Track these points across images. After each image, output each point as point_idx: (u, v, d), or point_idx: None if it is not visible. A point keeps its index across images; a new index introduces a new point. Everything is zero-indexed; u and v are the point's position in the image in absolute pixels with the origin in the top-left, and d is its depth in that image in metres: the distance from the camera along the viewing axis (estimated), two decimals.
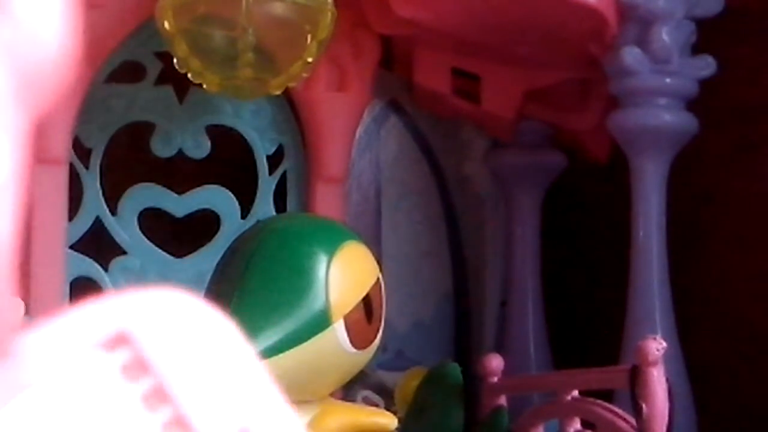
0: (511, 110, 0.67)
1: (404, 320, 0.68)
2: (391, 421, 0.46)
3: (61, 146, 0.59)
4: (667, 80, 0.59)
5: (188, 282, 0.62)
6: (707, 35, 0.60)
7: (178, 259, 0.63)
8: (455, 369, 0.53)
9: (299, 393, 0.44)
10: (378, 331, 0.46)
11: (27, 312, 0.53)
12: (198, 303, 0.20)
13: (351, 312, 0.44)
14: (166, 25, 0.55)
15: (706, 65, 0.60)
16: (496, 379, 0.56)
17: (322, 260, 0.44)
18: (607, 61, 0.60)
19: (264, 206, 0.64)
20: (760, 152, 0.63)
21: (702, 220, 0.65)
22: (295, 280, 0.43)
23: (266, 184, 0.64)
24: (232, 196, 0.64)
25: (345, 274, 0.44)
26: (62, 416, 0.19)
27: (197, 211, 0.64)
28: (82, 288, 0.61)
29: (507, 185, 0.70)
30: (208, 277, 0.46)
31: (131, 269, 0.62)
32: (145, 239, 0.62)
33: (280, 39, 0.55)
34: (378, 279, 0.46)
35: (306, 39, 0.55)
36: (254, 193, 0.64)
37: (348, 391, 0.62)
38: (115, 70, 0.62)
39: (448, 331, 0.70)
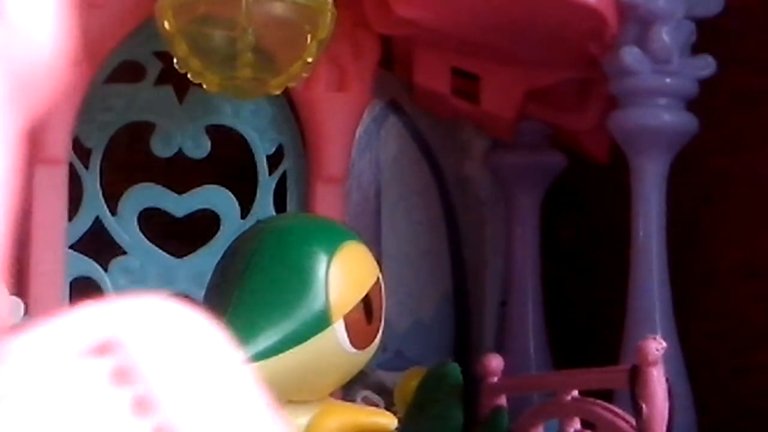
0: (510, 110, 0.67)
1: (404, 320, 0.68)
2: (390, 421, 0.46)
3: (60, 146, 0.59)
4: (667, 80, 0.59)
5: (188, 282, 0.62)
6: (707, 35, 0.60)
7: (178, 259, 0.63)
8: (455, 369, 0.53)
9: (299, 393, 0.44)
10: (378, 331, 0.46)
11: (27, 312, 0.52)
12: (186, 310, 0.20)
13: (351, 312, 0.44)
14: (166, 25, 0.55)
15: (706, 65, 0.60)
16: (495, 379, 0.56)
17: (322, 260, 0.44)
18: (607, 61, 0.60)
19: (264, 206, 0.64)
20: (760, 152, 0.63)
21: (702, 220, 0.65)
22: (295, 280, 0.43)
23: (266, 184, 0.64)
24: (231, 196, 0.64)
25: (345, 274, 0.44)
26: (50, 421, 0.19)
27: (197, 211, 0.63)
28: (82, 288, 0.61)
29: (507, 185, 0.70)
30: (208, 277, 0.46)
31: (131, 269, 0.62)
32: (145, 239, 0.62)
33: (279, 39, 0.55)
34: (378, 279, 0.46)
35: (306, 39, 0.55)
36: (254, 193, 0.64)
37: (348, 391, 0.62)
38: (114, 70, 0.62)
39: (447, 331, 0.70)
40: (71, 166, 0.61)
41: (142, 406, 0.19)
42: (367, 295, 0.45)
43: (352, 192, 0.67)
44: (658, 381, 0.47)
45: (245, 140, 0.64)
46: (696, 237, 0.65)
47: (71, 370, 0.19)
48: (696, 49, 0.60)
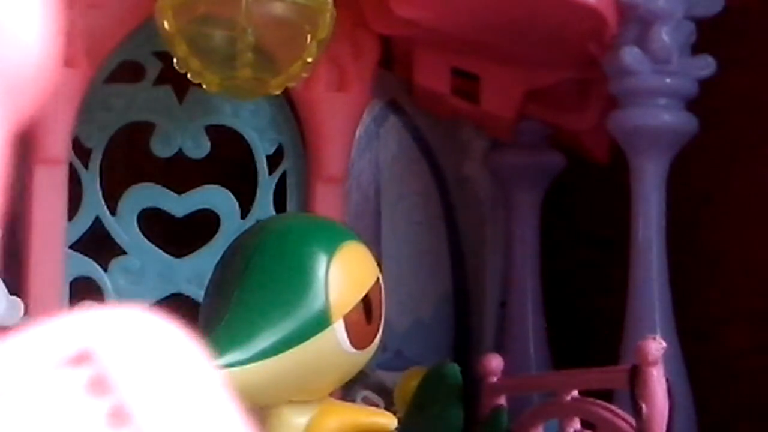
0: (510, 110, 0.67)
1: (404, 320, 0.68)
2: (390, 421, 0.46)
3: (60, 146, 0.59)
4: (667, 80, 0.59)
5: (188, 282, 0.62)
6: (707, 35, 0.60)
7: (178, 259, 0.63)
8: (454, 369, 0.53)
9: (299, 393, 0.44)
10: (378, 331, 0.45)
11: (26, 312, 0.52)
12: (162, 322, 0.20)
13: (350, 312, 0.44)
14: (166, 24, 0.55)
15: (706, 65, 0.60)
16: (495, 379, 0.56)
17: (321, 260, 0.44)
18: (606, 61, 0.60)
19: (264, 206, 0.64)
20: (760, 152, 0.63)
21: (702, 221, 0.65)
22: (294, 280, 0.43)
23: (266, 184, 0.64)
24: (231, 196, 0.64)
25: (345, 274, 0.44)
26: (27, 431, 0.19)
27: (197, 211, 0.63)
28: (81, 288, 0.61)
29: (507, 185, 0.70)
30: (208, 277, 0.46)
31: (131, 269, 0.62)
32: (145, 239, 0.62)
33: (279, 39, 0.55)
34: (378, 279, 0.46)
35: (306, 39, 0.55)
36: (254, 193, 0.64)
37: (347, 391, 0.62)
38: (114, 70, 0.62)
39: (447, 331, 0.70)
40: (71, 166, 0.61)
41: (119, 416, 0.19)
42: (366, 295, 0.44)
43: (351, 192, 0.67)
44: (657, 381, 0.47)
45: (245, 140, 0.64)
46: (696, 237, 0.65)
47: (47, 381, 0.19)
48: (696, 49, 0.60)
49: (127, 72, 0.63)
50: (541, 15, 0.60)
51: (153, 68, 0.63)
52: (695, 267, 0.65)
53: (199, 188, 0.64)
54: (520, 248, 0.69)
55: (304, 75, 0.57)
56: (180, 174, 0.64)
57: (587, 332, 0.69)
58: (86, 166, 0.62)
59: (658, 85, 0.59)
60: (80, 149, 0.62)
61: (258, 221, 0.61)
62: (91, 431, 0.19)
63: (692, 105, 0.60)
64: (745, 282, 0.63)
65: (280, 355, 0.42)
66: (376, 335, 0.45)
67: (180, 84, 0.62)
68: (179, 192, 0.63)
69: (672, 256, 0.60)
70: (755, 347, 0.62)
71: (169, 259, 0.63)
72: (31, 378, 0.19)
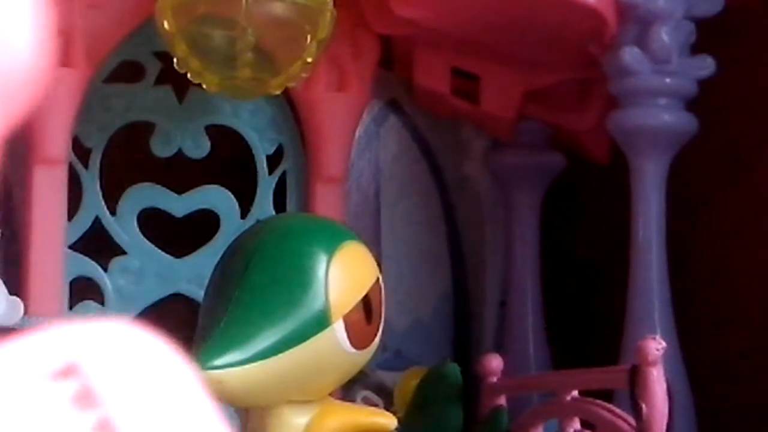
0: (510, 110, 0.67)
1: (403, 320, 0.68)
2: (390, 421, 0.46)
3: (60, 146, 0.59)
4: (667, 80, 0.59)
5: (188, 282, 0.62)
6: (707, 35, 0.60)
7: (178, 259, 0.63)
8: (454, 369, 0.53)
9: (298, 393, 0.44)
10: (377, 331, 0.45)
11: (26, 312, 0.52)
12: (148, 336, 0.20)
13: (350, 312, 0.44)
14: (166, 24, 0.55)
15: (705, 65, 0.60)
16: (495, 379, 0.56)
17: (321, 260, 0.44)
18: (606, 61, 0.60)
19: (263, 206, 0.64)
20: (760, 152, 0.63)
21: (702, 221, 0.65)
22: (294, 280, 0.43)
23: (266, 184, 0.64)
24: (231, 196, 0.64)
25: (344, 274, 0.44)
26: None
27: (197, 211, 0.64)
28: (81, 288, 0.61)
29: (506, 185, 0.70)
30: (208, 277, 0.46)
31: (131, 269, 0.62)
32: (145, 239, 0.62)
33: (279, 39, 0.55)
34: (377, 279, 0.46)
35: (306, 39, 0.55)
36: (254, 193, 0.64)
37: (347, 391, 0.62)
38: (114, 70, 0.62)
39: (447, 330, 0.70)
40: (71, 166, 0.61)
41: (105, 430, 0.19)
42: (366, 295, 0.44)
43: (351, 192, 0.67)
44: (657, 381, 0.47)
45: (245, 140, 0.64)
46: (696, 237, 0.65)
47: (33, 394, 0.19)
48: (696, 49, 0.60)
49: (127, 72, 0.63)
50: (541, 15, 0.60)
51: (153, 68, 0.63)
52: (695, 267, 0.65)
53: (198, 188, 0.64)
54: (520, 248, 0.69)
55: (304, 75, 0.57)
56: (180, 174, 0.64)
57: (587, 332, 0.69)
58: (86, 166, 0.62)
59: (658, 85, 0.59)
60: (80, 149, 0.62)
61: (258, 221, 0.61)
62: None
63: (692, 105, 0.60)
64: (745, 282, 0.63)
65: (280, 355, 0.42)
66: (376, 335, 0.45)
67: (180, 84, 0.62)
68: (179, 192, 0.63)
69: (672, 256, 0.60)
70: (755, 347, 0.62)
71: (169, 259, 0.63)
72: (16, 391, 0.19)
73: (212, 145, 0.63)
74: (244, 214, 0.64)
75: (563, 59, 0.64)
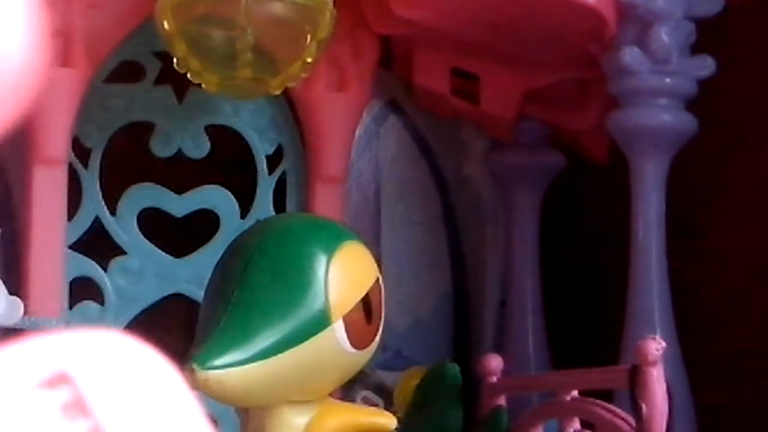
0: (510, 110, 0.67)
1: (403, 320, 0.68)
2: (390, 421, 0.46)
3: (60, 146, 0.59)
4: (667, 80, 0.59)
5: (188, 282, 0.62)
6: (707, 35, 0.60)
7: (178, 259, 0.63)
8: (454, 369, 0.53)
9: (298, 393, 0.44)
10: (377, 331, 0.45)
11: (26, 312, 0.52)
12: (138, 345, 0.20)
13: (350, 312, 0.44)
14: (165, 24, 0.55)
15: (705, 65, 0.60)
16: (495, 379, 0.56)
17: (321, 260, 0.44)
18: (606, 61, 0.60)
19: (263, 206, 0.64)
20: (759, 152, 0.63)
21: (702, 221, 0.65)
22: (294, 280, 0.43)
23: (265, 184, 0.64)
24: (231, 196, 0.64)
25: (344, 274, 0.44)
26: None
27: (197, 211, 0.63)
28: (81, 288, 0.61)
29: (506, 185, 0.70)
30: (208, 277, 0.46)
31: (130, 269, 0.62)
32: (145, 239, 0.62)
33: (279, 39, 0.55)
34: (377, 279, 0.46)
35: (305, 39, 0.55)
36: (253, 193, 0.64)
37: (347, 391, 0.62)
38: (114, 70, 0.62)
39: (447, 330, 0.70)
40: (70, 166, 0.61)
41: None
42: (366, 295, 0.44)
43: (351, 192, 0.67)
44: (657, 381, 0.47)
45: (245, 140, 0.64)
46: (696, 237, 0.65)
47: (23, 403, 0.19)
48: (695, 49, 0.60)
49: (127, 72, 0.63)
50: (541, 15, 0.60)
51: (153, 68, 0.63)
52: (695, 267, 0.65)
53: (198, 188, 0.64)
54: (520, 248, 0.69)
55: (304, 75, 0.57)
56: (180, 174, 0.64)
57: (587, 332, 0.69)
58: (86, 166, 0.62)
59: (658, 85, 0.59)
60: (80, 149, 0.62)
61: (258, 221, 0.61)
62: None
63: (692, 105, 0.60)
64: (745, 282, 0.63)
65: (280, 355, 0.42)
66: (376, 335, 0.45)
67: (180, 84, 0.62)
68: (179, 192, 0.63)
69: (672, 256, 0.60)
70: (755, 347, 0.62)
71: (169, 259, 0.63)
72: (6, 400, 0.19)
73: (212, 145, 0.63)
74: (244, 214, 0.64)
75: (563, 59, 0.64)
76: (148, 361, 0.20)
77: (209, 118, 0.64)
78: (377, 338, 0.45)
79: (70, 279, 0.61)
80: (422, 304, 0.69)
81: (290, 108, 0.64)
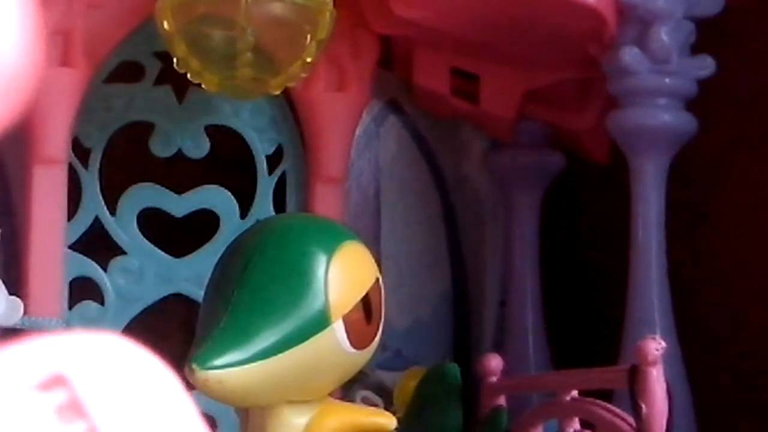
0: (510, 110, 0.67)
1: (403, 320, 0.68)
2: (390, 421, 0.46)
3: (59, 146, 0.59)
4: (667, 80, 0.59)
5: (188, 282, 0.62)
6: (707, 35, 0.60)
7: (178, 259, 0.63)
8: (454, 369, 0.53)
9: (298, 393, 0.44)
10: (377, 331, 0.45)
11: (26, 312, 0.52)
12: (135, 348, 0.20)
13: (350, 312, 0.44)
14: (165, 24, 0.55)
15: (705, 65, 0.60)
16: (495, 379, 0.56)
17: (321, 260, 0.44)
18: (606, 61, 0.60)
19: (263, 206, 0.64)
20: (759, 152, 0.63)
21: (701, 221, 0.65)
22: (294, 280, 0.43)
23: (265, 184, 0.64)
24: (231, 196, 0.64)
25: (344, 274, 0.44)
26: None
27: (196, 211, 0.64)
28: (81, 288, 0.61)
29: (506, 185, 0.70)
30: (207, 277, 0.46)
31: (130, 269, 0.62)
32: (145, 239, 0.62)
33: (279, 39, 0.55)
34: (377, 279, 0.46)
35: (305, 39, 0.55)
36: (253, 193, 0.64)
37: (347, 391, 0.62)
38: (114, 70, 0.62)
39: (447, 330, 0.70)
40: (70, 166, 0.61)
41: None
42: (366, 295, 0.44)
43: (351, 192, 0.67)
44: (657, 381, 0.47)
45: (244, 140, 0.64)
46: (696, 237, 0.65)
47: (19, 405, 0.19)
48: (695, 49, 0.60)
49: (126, 72, 0.63)
50: (541, 15, 0.60)
51: (153, 68, 0.63)
52: (695, 267, 0.65)
53: (198, 188, 0.64)
54: (520, 248, 0.69)
55: (304, 75, 0.57)
56: (179, 174, 0.64)
57: (587, 332, 0.69)
58: (86, 166, 0.62)
59: (658, 85, 0.59)
60: (80, 149, 0.62)
61: (258, 221, 0.61)
62: None
63: (692, 105, 0.60)
64: (745, 282, 0.63)
65: (280, 355, 0.42)
66: (375, 335, 0.45)
67: (180, 84, 0.62)
68: (179, 192, 0.63)
69: (672, 256, 0.60)
70: (755, 347, 0.62)
71: (169, 259, 0.63)
72: (2, 402, 0.19)
73: (212, 145, 0.63)
74: (243, 214, 0.64)
75: (563, 59, 0.64)
76: (144, 363, 0.20)
77: (209, 118, 0.64)
78: (377, 338, 0.45)
79: (70, 279, 0.61)
80: (422, 304, 0.69)
81: (290, 108, 0.64)
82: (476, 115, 0.68)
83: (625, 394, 0.48)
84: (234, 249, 0.45)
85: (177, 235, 0.63)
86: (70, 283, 0.61)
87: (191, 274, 0.62)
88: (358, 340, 0.44)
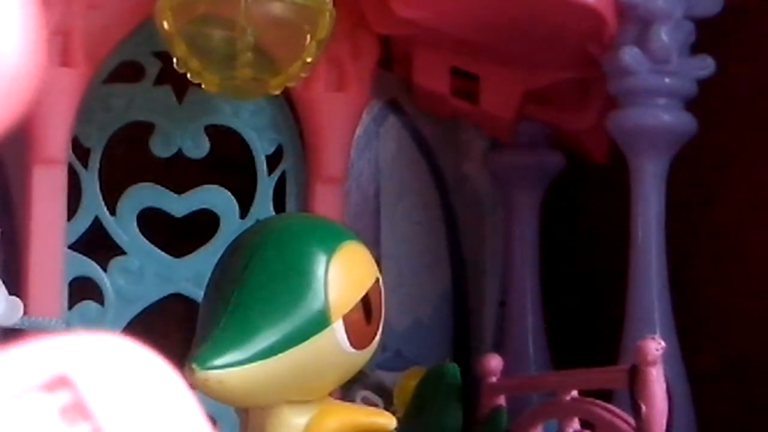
0: (510, 110, 0.67)
1: (403, 320, 0.68)
2: (389, 421, 0.46)
3: (60, 146, 0.59)
4: (666, 80, 0.59)
5: (187, 282, 0.62)
6: (707, 35, 0.60)
7: (177, 259, 0.63)
8: (454, 369, 0.53)
9: (298, 393, 0.44)
10: (377, 331, 0.45)
11: (26, 312, 0.52)
12: (139, 348, 0.20)
13: (350, 312, 0.44)
14: (165, 25, 0.55)
15: (705, 65, 0.60)
16: (495, 379, 0.56)
17: (321, 260, 0.44)
18: (606, 60, 0.60)
19: (263, 206, 0.64)
20: (759, 152, 0.63)
21: (701, 220, 0.65)
22: (294, 280, 0.43)
23: (265, 184, 0.64)
24: (231, 196, 0.64)
25: (344, 274, 0.44)
26: None
27: (196, 211, 0.63)
28: (81, 288, 0.61)
29: (506, 185, 0.70)
30: (207, 277, 0.46)
31: (130, 269, 0.62)
32: (144, 239, 0.62)
33: (279, 39, 0.55)
34: (377, 279, 0.46)
35: (305, 39, 0.55)
36: (253, 193, 0.64)
37: (347, 391, 0.62)
38: (114, 70, 0.62)
39: (447, 330, 0.70)
40: (70, 166, 0.61)
41: None
42: (366, 295, 0.44)
43: (351, 192, 0.67)
44: (657, 381, 0.47)
45: (244, 140, 0.64)
46: (696, 237, 0.65)
47: (23, 407, 0.19)
48: (695, 49, 0.60)
49: (126, 72, 0.63)
50: (541, 15, 0.60)
51: (153, 68, 0.63)
52: (695, 267, 0.65)
53: (198, 188, 0.64)
54: (520, 248, 0.69)
55: (304, 75, 0.57)
56: (179, 174, 0.64)
57: (587, 332, 0.69)
58: (85, 166, 0.62)
59: (658, 85, 0.59)
60: (79, 149, 0.62)
61: (258, 221, 0.61)
62: None
63: (691, 105, 0.60)
64: (744, 282, 0.63)
65: (280, 355, 0.42)
66: (375, 335, 0.45)
67: (180, 84, 0.62)
68: (179, 192, 0.63)
69: (672, 256, 0.60)
70: (755, 347, 0.62)
71: (169, 259, 0.63)
72: (5, 403, 0.19)
73: (212, 145, 0.63)
74: (243, 214, 0.64)
75: (563, 59, 0.64)
76: (147, 363, 0.20)
77: (209, 118, 0.64)
78: (377, 338, 0.45)
79: (70, 279, 0.61)
80: (422, 304, 0.69)
81: (290, 108, 0.64)
82: (476, 115, 0.68)
83: (625, 394, 0.48)
84: (234, 249, 0.45)
85: (177, 235, 0.63)
86: (70, 283, 0.61)
87: (191, 274, 0.62)
88: (358, 340, 0.44)
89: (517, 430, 0.54)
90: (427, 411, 0.53)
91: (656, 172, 0.60)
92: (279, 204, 0.64)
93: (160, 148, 0.63)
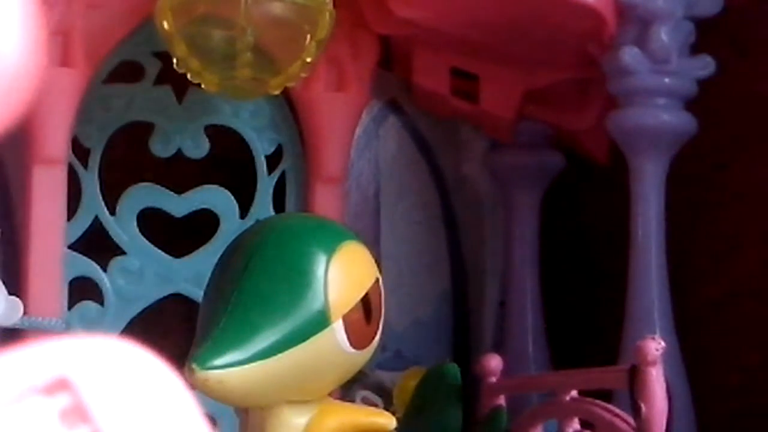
0: (510, 110, 0.67)
1: (403, 320, 0.68)
2: (389, 421, 0.46)
3: (59, 146, 0.59)
4: (666, 80, 0.59)
5: (187, 282, 0.62)
6: (707, 35, 0.60)
7: (177, 259, 0.63)
8: (454, 369, 0.53)
9: (298, 393, 0.44)
10: (377, 331, 0.45)
11: (26, 312, 0.52)
12: (138, 351, 0.20)
13: (350, 312, 0.44)
14: (165, 25, 0.55)
15: (705, 65, 0.60)
16: (494, 379, 0.56)
17: (321, 260, 0.44)
18: (605, 60, 0.60)
19: (263, 206, 0.64)
20: (759, 152, 0.63)
21: (701, 220, 0.65)
22: (293, 280, 0.43)
23: (265, 184, 0.64)
24: (230, 196, 0.64)
25: (344, 274, 0.44)
26: None
27: (196, 211, 0.63)
28: (80, 288, 0.61)
29: (506, 185, 0.70)
30: (207, 277, 0.46)
31: (130, 269, 0.62)
32: (144, 239, 0.62)
33: (279, 39, 0.55)
34: (377, 279, 0.46)
35: (305, 39, 0.55)
36: (253, 193, 0.64)
37: (347, 391, 0.62)
38: (114, 70, 0.62)
39: (446, 330, 0.70)
40: (70, 166, 0.61)
41: None
42: (366, 295, 0.44)
43: (351, 192, 0.67)
44: (657, 381, 0.47)
45: (244, 140, 0.64)
46: (695, 237, 0.65)
47: (22, 410, 0.19)
48: (695, 49, 0.60)
49: (126, 72, 0.63)
50: (541, 15, 0.60)
51: (153, 68, 0.63)
52: (695, 266, 0.65)
53: (198, 188, 0.64)
54: (520, 248, 0.69)
55: (303, 75, 0.57)
56: (179, 174, 0.64)
57: (587, 332, 0.69)
58: (85, 166, 0.62)
59: (657, 85, 0.59)
60: (79, 149, 0.62)
61: (258, 221, 0.61)
62: None
63: (691, 105, 0.60)
64: (744, 281, 0.63)
65: (280, 355, 0.42)
66: (375, 335, 0.45)
67: (179, 84, 0.62)
68: (178, 192, 0.63)
69: (671, 256, 0.60)
70: (755, 347, 0.62)
71: (169, 259, 0.63)
72: (5, 405, 0.19)
73: (212, 145, 0.63)
74: (243, 214, 0.64)
75: (563, 59, 0.64)
76: (147, 366, 0.20)
77: (209, 118, 0.64)
78: (377, 338, 0.45)
79: (70, 279, 0.61)
80: (422, 304, 0.69)
81: (290, 108, 0.64)
82: (476, 115, 0.68)
83: (625, 394, 0.48)
84: (234, 249, 0.45)
85: (177, 235, 0.63)
86: (70, 283, 0.61)
87: (191, 274, 0.62)
88: (357, 340, 0.44)
89: (517, 430, 0.54)
90: (427, 411, 0.53)
91: (656, 172, 0.60)
92: (279, 204, 0.64)
93: (160, 148, 0.63)
